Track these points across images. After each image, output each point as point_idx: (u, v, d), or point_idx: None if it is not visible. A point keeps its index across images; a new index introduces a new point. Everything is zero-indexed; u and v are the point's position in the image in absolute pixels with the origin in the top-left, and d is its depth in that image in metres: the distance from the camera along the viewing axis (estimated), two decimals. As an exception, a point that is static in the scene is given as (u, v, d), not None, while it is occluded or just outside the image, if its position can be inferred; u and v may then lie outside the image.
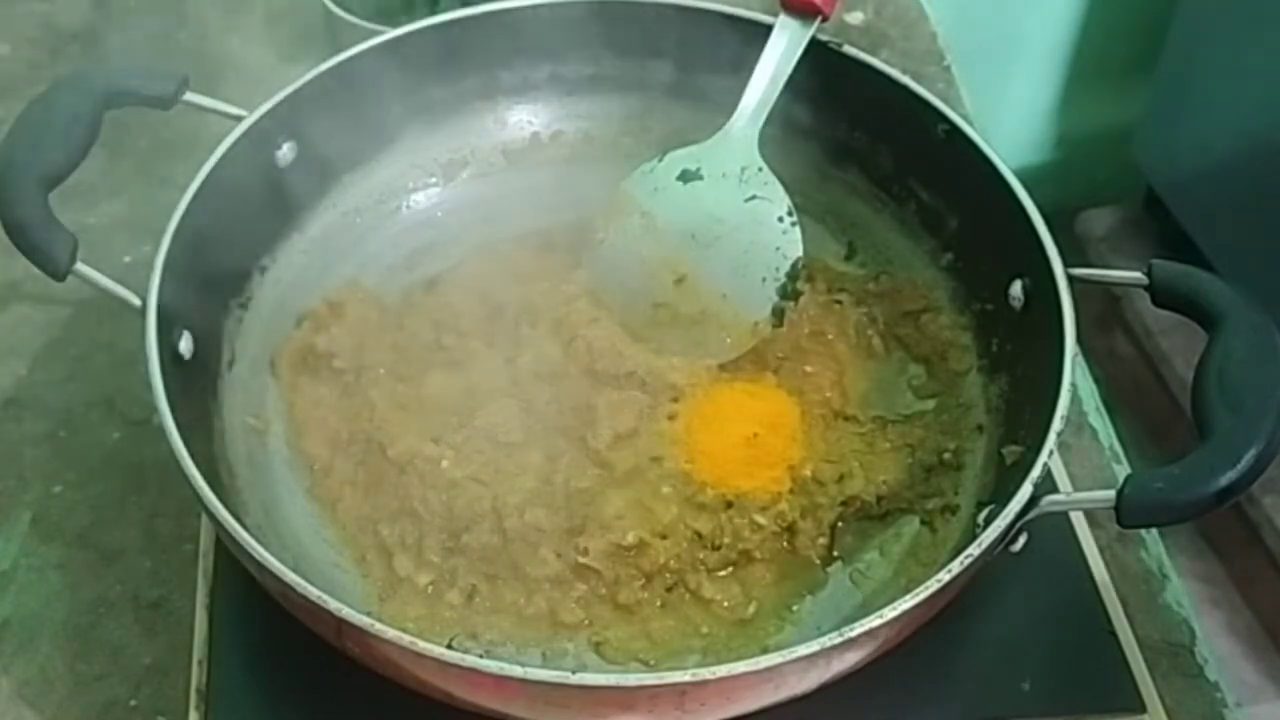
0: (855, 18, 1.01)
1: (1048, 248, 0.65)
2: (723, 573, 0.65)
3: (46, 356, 0.79)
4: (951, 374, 0.72)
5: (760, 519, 0.65)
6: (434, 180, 0.80)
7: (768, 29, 0.73)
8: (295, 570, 0.54)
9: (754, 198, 0.72)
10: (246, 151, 0.69)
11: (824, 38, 0.73)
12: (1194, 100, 1.50)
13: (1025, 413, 0.66)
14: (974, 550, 0.55)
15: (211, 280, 0.69)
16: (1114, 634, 0.66)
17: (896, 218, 0.77)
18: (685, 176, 0.73)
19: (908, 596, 0.54)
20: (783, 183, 0.72)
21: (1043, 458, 0.58)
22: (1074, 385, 0.61)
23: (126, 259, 0.82)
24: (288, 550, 0.64)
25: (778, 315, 0.71)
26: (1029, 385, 0.67)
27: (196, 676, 0.63)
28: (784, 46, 0.72)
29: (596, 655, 0.62)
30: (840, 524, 0.66)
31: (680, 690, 0.52)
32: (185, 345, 0.65)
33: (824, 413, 0.70)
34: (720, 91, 0.76)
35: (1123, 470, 0.76)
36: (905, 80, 0.73)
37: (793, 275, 0.71)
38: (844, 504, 0.67)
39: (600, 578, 0.63)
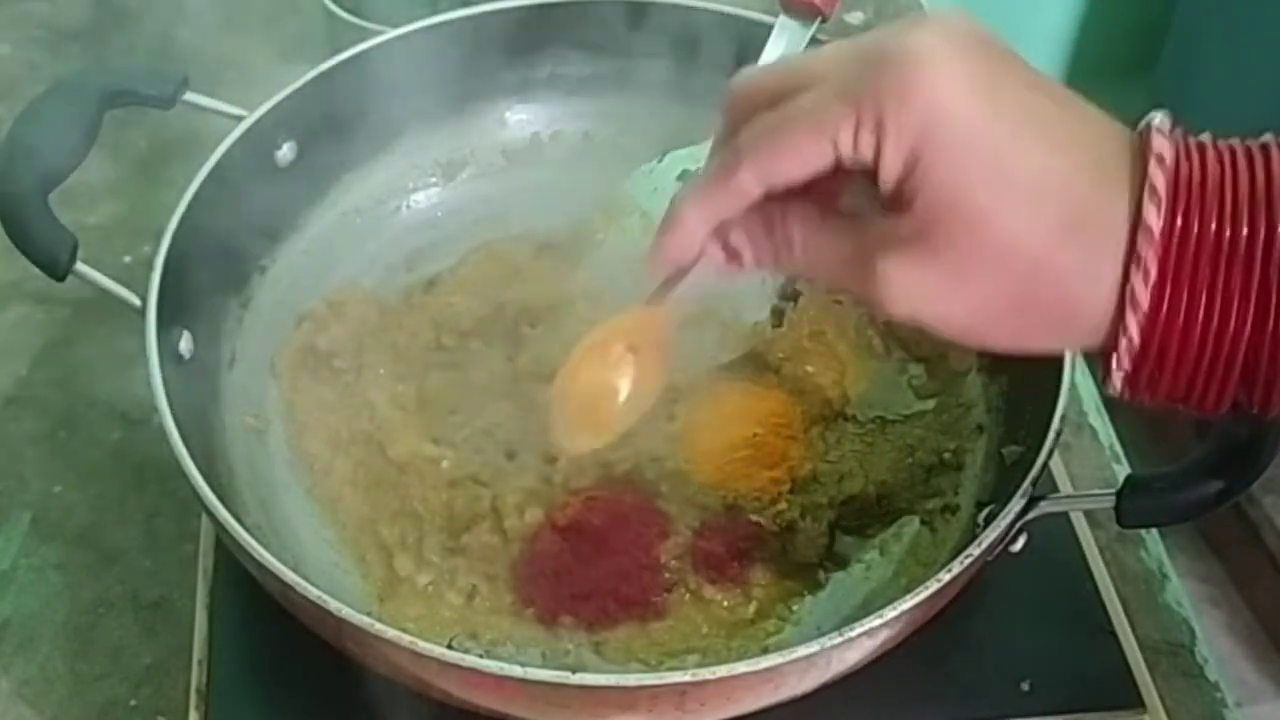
0: (855, 17, 1.01)
1: (1048, 247, 0.65)
2: (723, 573, 0.65)
3: (46, 356, 0.79)
4: (951, 374, 0.72)
5: (760, 519, 0.65)
6: (434, 180, 0.80)
7: (768, 29, 0.73)
8: (295, 570, 0.54)
9: (754, 198, 0.72)
10: (246, 151, 0.69)
11: (824, 38, 0.73)
12: (1194, 100, 1.50)
13: (1025, 413, 0.66)
14: (974, 550, 0.55)
15: (211, 280, 0.69)
16: (1114, 634, 0.66)
17: (897, 217, 0.77)
18: (685, 176, 0.73)
19: (908, 596, 0.54)
20: (783, 183, 0.72)
21: (1042, 458, 0.58)
22: (1074, 385, 0.61)
23: (126, 259, 0.82)
24: (288, 550, 0.64)
25: (777, 315, 0.71)
26: (1029, 385, 0.66)
27: (196, 676, 0.63)
28: (784, 47, 0.72)
29: (596, 655, 0.62)
30: (840, 524, 0.66)
31: (680, 690, 0.52)
32: (185, 345, 0.65)
33: (824, 413, 0.70)
34: (720, 92, 0.76)
35: (1123, 470, 0.76)
36: (905, 80, 0.73)
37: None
38: (844, 504, 0.66)
39: (600, 578, 0.63)
